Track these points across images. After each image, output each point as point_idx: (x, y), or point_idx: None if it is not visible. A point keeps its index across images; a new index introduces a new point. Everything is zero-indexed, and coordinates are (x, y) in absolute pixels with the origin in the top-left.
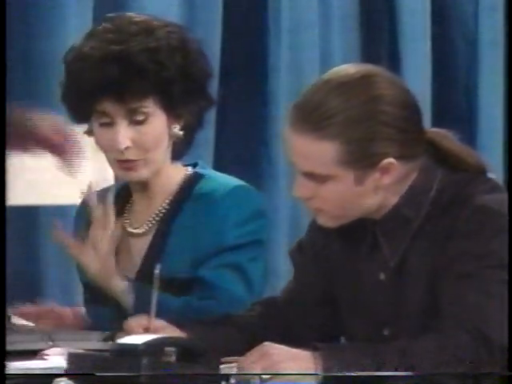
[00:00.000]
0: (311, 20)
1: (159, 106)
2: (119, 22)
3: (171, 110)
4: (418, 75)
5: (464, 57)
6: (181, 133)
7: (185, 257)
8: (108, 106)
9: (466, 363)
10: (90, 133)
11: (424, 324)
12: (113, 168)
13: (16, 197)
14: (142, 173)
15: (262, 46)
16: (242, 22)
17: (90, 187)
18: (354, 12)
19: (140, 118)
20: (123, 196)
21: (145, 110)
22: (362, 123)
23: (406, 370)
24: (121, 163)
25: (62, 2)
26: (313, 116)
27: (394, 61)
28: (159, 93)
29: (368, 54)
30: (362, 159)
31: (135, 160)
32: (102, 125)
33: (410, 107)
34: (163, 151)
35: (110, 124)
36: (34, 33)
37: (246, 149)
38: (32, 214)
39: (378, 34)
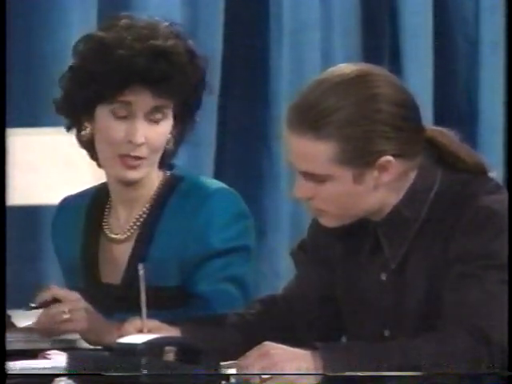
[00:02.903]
0: (312, 20)
1: (174, 110)
2: (142, 21)
3: (179, 117)
4: (419, 75)
5: (465, 57)
6: (172, 142)
7: (170, 263)
8: (135, 98)
9: (466, 363)
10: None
11: (425, 324)
12: (112, 164)
13: (16, 197)
14: (141, 172)
15: (264, 46)
16: (244, 22)
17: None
18: (356, 12)
19: (158, 117)
20: (100, 201)
21: (165, 110)
22: (358, 122)
23: (406, 370)
24: (126, 159)
25: (65, 4)
26: (309, 116)
27: (395, 61)
28: (180, 98)
29: (369, 54)
30: (359, 158)
31: (142, 158)
32: (119, 117)
33: (406, 105)
34: (159, 155)
35: (127, 117)
36: (35, 35)
37: (247, 149)
38: (32, 214)
39: (380, 35)
